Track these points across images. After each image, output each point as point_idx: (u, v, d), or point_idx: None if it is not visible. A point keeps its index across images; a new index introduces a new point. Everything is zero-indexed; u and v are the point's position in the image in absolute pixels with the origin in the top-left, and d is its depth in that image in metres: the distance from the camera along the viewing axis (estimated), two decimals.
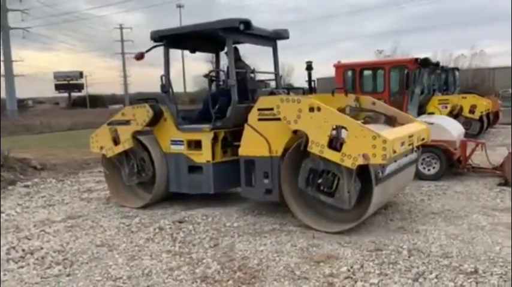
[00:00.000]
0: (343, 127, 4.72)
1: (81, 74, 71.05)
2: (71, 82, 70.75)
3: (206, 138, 6.04)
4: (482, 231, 4.95)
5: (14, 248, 4.93)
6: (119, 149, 6.65)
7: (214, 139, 6.06)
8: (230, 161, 6.11)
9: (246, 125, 5.58)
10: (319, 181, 5.01)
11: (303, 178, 5.10)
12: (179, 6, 52.97)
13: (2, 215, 6.39)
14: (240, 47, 6.63)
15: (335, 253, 4.45)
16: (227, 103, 5.99)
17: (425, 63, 12.04)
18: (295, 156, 5.23)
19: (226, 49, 6.21)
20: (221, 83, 6.82)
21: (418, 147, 5.77)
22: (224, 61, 7.52)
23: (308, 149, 4.93)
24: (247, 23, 5.76)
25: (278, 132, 5.34)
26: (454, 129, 8.09)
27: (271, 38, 6.64)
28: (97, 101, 64.92)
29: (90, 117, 32.62)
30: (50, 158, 11.94)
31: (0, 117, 28.41)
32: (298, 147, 5.15)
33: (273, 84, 7.15)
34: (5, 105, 39.92)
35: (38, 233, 5.50)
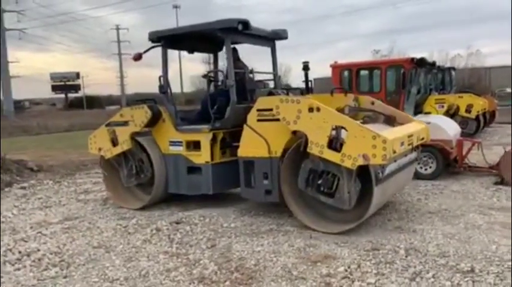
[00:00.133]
0: (342, 127, 4.71)
1: (77, 75, 70.98)
2: (68, 83, 70.69)
3: (205, 139, 6.03)
4: (479, 230, 4.96)
5: (10, 250, 4.91)
6: (118, 150, 6.63)
7: (213, 140, 6.05)
8: (229, 162, 6.10)
9: (245, 126, 5.57)
10: (319, 181, 4.98)
11: (302, 179, 5.09)
12: (175, 6, 52.89)
13: None
14: (237, 47, 6.62)
15: (332, 253, 4.45)
16: (226, 104, 5.98)
17: (421, 63, 12.09)
18: (295, 157, 5.22)
19: (224, 49, 6.19)
20: (220, 83, 6.81)
21: (417, 146, 5.77)
22: (222, 61, 7.53)
23: (308, 149, 4.91)
24: (245, 23, 5.75)
25: (277, 133, 5.33)
26: (450, 129, 8.11)
27: (269, 39, 6.63)
28: (94, 102, 64.87)
29: (87, 118, 32.60)
30: (46, 160, 11.91)
31: (0, 119, 28.29)
32: (297, 148, 5.14)
33: (271, 84, 7.15)
34: (1, 107, 39.81)
35: (34, 235, 5.48)
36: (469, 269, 3.91)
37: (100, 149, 6.85)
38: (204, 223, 5.68)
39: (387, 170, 4.90)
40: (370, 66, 13.29)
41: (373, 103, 6.19)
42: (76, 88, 71.55)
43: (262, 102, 5.46)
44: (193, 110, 7.41)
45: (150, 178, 6.47)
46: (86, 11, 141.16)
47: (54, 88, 71.30)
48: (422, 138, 5.68)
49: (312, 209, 5.37)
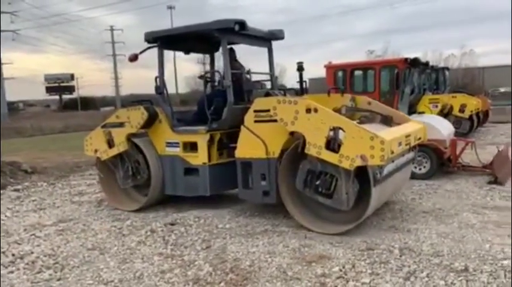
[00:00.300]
0: (340, 128, 4.70)
1: (72, 76, 70.69)
2: (62, 84, 70.38)
3: (202, 140, 6.01)
4: (473, 229, 4.99)
5: (3, 253, 4.89)
6: (114, 152, 6.60)
7: (210, 141, 6.04)
8: (226, 163, 6.08)
9: (242, 127, 5.55)
10: (317, 182, 4.98)
11: (300, 180, 5.07)
12: (170, 7, 52.78)
13: None
14: (234, 47, 6.59)
15: (327, 253, 4.46)
16: (223, 104, 5.96)
17: (415, 63, 12.15)
18: (293, 157, 5.21)
19: (221, 50, 6.15)
20: (216, 84, 6.79)
21: (414, 146, 5.77)
22: (218, 62, 7.52)
23: (305, 150, 4.91)
24: (242, 24, 5.74)
25: (275, 134, 5.32)
26: (444, 129, 8.15)
27: (266, 39, 6.62)
28: (88, 104, 64.57)
29: (81, 119, 32.46)
30: (40, 161, 11.84)
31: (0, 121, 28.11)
32: (295, 148, 5.13)
33: (268, 85, 7.14)
34: None
35: (28, 237, 5.46)
36: (463, 268, 3.93)
37: (96, 151, 6.81)
38: (198, 224, 5.68)
39: (385, 171, 4.91)
40: (364, 67, 13.33)
41: (369, 103, 6.20)
42: (70, 89, 71.25)
43: (259, 103, 5.45)
44: (190, 110, 7.38)
45: (147, 179, 6.45)
46: (80, 12, 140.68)
47: (49, 90, 70.96)
48: (419, 138, 5.69)
49: (310, 210, 5.37)
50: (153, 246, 4.96)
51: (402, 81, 11.67)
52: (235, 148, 5.68)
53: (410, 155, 5.89)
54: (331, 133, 4.73)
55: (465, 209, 5.79)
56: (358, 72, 13.17)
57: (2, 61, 42.50)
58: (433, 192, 6.84)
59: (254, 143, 5.46)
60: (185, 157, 6.18)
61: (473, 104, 13.76)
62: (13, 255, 4.81)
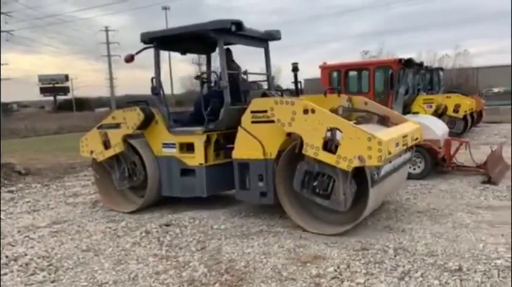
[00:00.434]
0: (337, 129, 4.69)
1: (66, 77, 70.35)
2: (57, 85, 70.04)
3: (199, 141, 6.00)
4: (467, 229, 5.02)
5: None
6: (110, 153, 6.56)
7: (207, 142, 6.02)
8: (223, 164, 6.07)
9: (239, 128, 5.54)
10: (315, 183, 4.97)
11: (298, 181, 5.06)
12: (165, 8, 52.65)
13: None
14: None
15: (322, 254, 4.47)
16: (219, 105, 5.95)
17: (409, 63, 12.19)
18: (290, 158, 5.20)
19: (218, 50, 6.13)
20: (213, 84, 6.78)
21: (411, 147, 5.78)
22: (214, 63, 7.51)
23: (303, 151, 4.90)
24: (238, 24, 5.73)
25: (272, 135, 5.31)
26: (438, 129, 8.19)
27: (263, 39, 6.61)
28: (83, 104, 64.33)
29: (76, 120, 32.34)
30: (34, 163, 11.78)
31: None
32: (292, 149, 5.12)
33: (265, 85, 7.13)
34: None
35: (22, 239, 5.43)
36: (457, 267, 3.95)
37: (92, 152, 6.78)
38: (193, 225, 5.67)
39: (382, 171, 4.91)
40: (359, 67, 13.36)
41: (366, 103, 6.21)
42: (65, 90, 70.91)
43: (256, 104, 5.43)
44: (186, 111, 7.36)
45: (143, 180, 6.42)
46: (74, 13, 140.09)
47: (43, 90, 70.57)
48: (416, 139, 5.70)
49: (308, 211, 5.37)
50: (148, 247, 4.95)
51: (396, 82, 11.70)
52: (232, 148, 5.67)
53: (407, 155, 5.90)
54: (329, 134, 4.72)
55: (459, 209, 5.82)
56: (352, 73, 13.20)
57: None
58: (428, 192, 6.87)
59: (251, 144, 5.44)
60: (182, 157, 6.16)
61: (467, 104, 13.82)
62: (7, 257, 4.78)
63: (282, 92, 6.27)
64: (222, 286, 3.87)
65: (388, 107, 10.30)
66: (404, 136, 5.17)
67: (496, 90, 31.77)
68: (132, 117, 6.29)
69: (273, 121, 5.20)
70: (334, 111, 5.57)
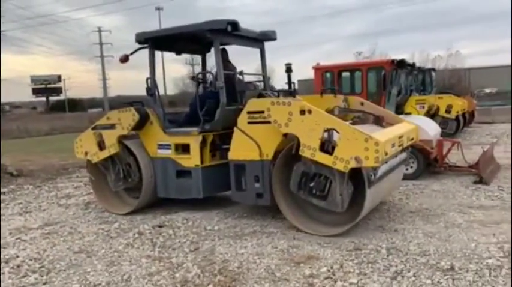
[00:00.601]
0: (334, 130, 4.68)
1: (59, 78, 69.99)
2: (49, 86, 69.68)
3: (195, 142, 5.97)
4: (459, 229, 5.05)
5: None
6: (105, 154, 6.51)
7: (203, 142, 5.99)
8: (219, 165, 6.05)
9: (235, 129, 5.52)
10: (311, 184, 4.95)
11: (294, 182, 5.05)
12: (158, 8, 52.56)
13: None
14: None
15: (315, 254, 4.47)
16: (215, 106, 5.92)
17: (401, 64, 12.25)
18: (287, 159, 5.19)
19: (214, 51, 6.09)
20: (208, 85, 6.76)
21: (407, 147, 5.79)
22: (210, 63, 7.48)
23: (300, 152, 4.88)
24: (234, 24, 5.71)
25: (268, 136, 5.29)
26: (430, 129, 8.23)
27: (258, 40, 6.60)
28: (76, 105, 64.05)
29: (68, 121, 32.16)
30: (26, 164, 11.72)
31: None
32: (289, 150, 5.11)
33: (260, 86, 7.12)
34: None
35: (13, 241, 5.39)
36: (449, 267, 3.97)
37: (86, 153, 6.72)
38: (187, 226, 5.65)
39: (379, 172, 4.92)
40: (352, 68, 13.41)
41: (362, 104, 6.22)
42: (57, 91, 70.57)
43: (252, 104, 5.42)
44: (182, 112, 7.32)
45: (138, 182, 6.37)
46: (66, 13, 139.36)
47: (35, 91, 70.20)
48: (412, 139, 5.71)
49: (304, 212, 5.35)
50: (141, 248, 4.93)
51: (389, 83, 11.76)
52: (228, 149, 5.65)
53: (403, 155, 5.91)
54: (326, 135, 4.71)
55: (451, 209, 5.85)
56: (345, 74, 13.25)
57: None
58: (420, 192, 6.90)
59: (247, 145, 5.42)
60: (177, 159, 6.13)
61: (459, 104, 13.91)
62: None
63: (279, 92, 6.26)
64: None
65: None
66: (401, 137, 5.17)
67: (487, 91, 32.01)
68: (127, 118, 6.25)
69: (269, 122, 5.18)
70: (330, 111, 5.57)
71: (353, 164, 4.52)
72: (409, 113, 12.27)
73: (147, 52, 6.41)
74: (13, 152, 15.21)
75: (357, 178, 4.78)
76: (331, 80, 12.83)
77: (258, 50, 6.80)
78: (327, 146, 4.71)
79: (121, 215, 6.33)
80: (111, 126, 6.42)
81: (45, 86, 69.41)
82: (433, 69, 18.58)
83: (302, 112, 4.89)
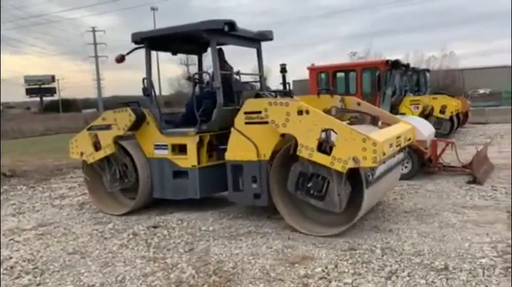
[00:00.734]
0: (332, 130, 4.67)
1: (53, 78, 69.61)
2: (43, 86, 69.26)
3: (191, 143, 5.94)
4: (453, 228, 5.07)
5: None
6: (100, 154, 6.47)
7: (200, 143, 5.96)
8: (216, 165, 6.03)
9: (232, 129, 5.49)
10: (309, 184, 4.94)
11: (292, 182, 5.04)
12: (153, 8, 52.43)
13: None
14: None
15: (310, 254, 4.48)
16: (212, 106, 5.89)
17: (396, 64, 12.29)
18: (284, 160, 5.17)
19: (210, 51, 6.07)
20: (205, 85, 6.74)
21: (404, 147, 5.79)
22: (205, 63, 7.47)
23: (297, 152, 4.87)
24: (231, 24, 5.69)
25: (266, 136, 5.27)
26: (425, 129, 8.25)
27: (255, 40, 6.58)
28: (70, 106, 63.73)
29: (63, 122, 32.02)
30: (20, 165, 11.65)
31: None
32: (287, 151, 5.10)
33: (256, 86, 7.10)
34: None
35: (6, 242, 5.35)
36: (443, 267, 3.99)
37: (82, 154, 6.67)
38: (181, 227, 5.64)
39: (377, 172, 4.92)
40: (346, 69, 13.44)
41: (359, 104, 6.22)
42: (51, 91, 70.16)
43: (250, 104, 5.40)
44: (179, 112, 7.28)
45: (135, 182, 6.33)
46: (60, 13, 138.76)
47: (29, 91, 69.78)
48: (409, 139, 5.72)
49: (302, 212, 5.34)
50: (136, 249, 4.91)
51: (384, 83, 11.79)
52: (225, 150, 5.63)
53: (400, 155, 5.92)
54: (323, 135, 4.70)
55: (445, 209, 5.88)
56: (340, 74, 13.28)
57: None
58: (414, 192, 6.93)
59: (245, 146, 5.40)
60: (174, 159, 6.10)
61: (453, 105, 13.98)
62: None
63: (276, 93, 6.25)
64: None
65: None
66: (398, 137, 5.18)
67: (481, 91, 32.17)
68: (123, 119, 6.21)
69: (266, 122, 5.16)
70: (327, 112, 5.55)
71: (351, 164, 4.51)
72: (404, 114, 12.29)
73: (143, 52, 6.39)
74: (7, 153, 15.13)
75: (355, 178, 4.77)
76: (326, 80, 12.85)
77: (254, 50, 6.78)
78: (325, 147, 4.70)
79: (115, 216, 6.31)
80: (107, 127, 6.38)
81: (39, 87, 69.01)
82: (428, 70, 18.66)
83: (300, 112, 4.88)
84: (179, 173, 6.10)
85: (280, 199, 5.34)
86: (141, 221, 5.96)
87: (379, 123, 5.89)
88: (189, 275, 4.12)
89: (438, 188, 7.08)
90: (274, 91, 6.53)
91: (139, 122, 6.23)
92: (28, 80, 68.90)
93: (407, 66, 13.82)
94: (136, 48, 6.41)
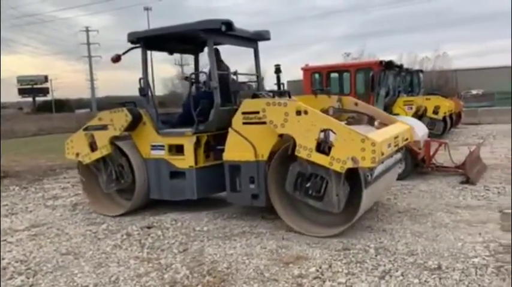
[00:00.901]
0: (331, 130, 4.67)
1: (46, 78, 69.17)
2: (36, 86, 68.80)
3: (188, 143, 5.92)
4: (446, 228, 5.10)
5: None
6: (96, 155, 6.42)
7: (197, 143, 5.94)
8: (213, 166, 6.01)
9: (230, 130, 5.47)
10: (307, 185, 4.93)
11: (290, 182, 5.02)
12: (147, 8, 52.25)
13: None
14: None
15: (304, 254, 4.49)
16: (209, 106, 5.87)
17: (389, 65, 12.35)
18: (282, 160, 5.16)
19: (207, 50, 6.05)
20: (201, 85, 6.72)
21: (401, 147, 5.80)
22: (201, 63, 7.45)
23: (296, 153, 4.85)
24: (229, 24, 5.66)
25: (264, 136, 5.26)
26: (418, 130, 8.28)
27: (252, 40, 6.57)
28: (63, 106, 63.37)
29: (55, 122, 31.83)
30: (13, 165, 11.57)
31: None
32: (285, 151, 5.09)
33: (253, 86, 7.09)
34: None
35: None
36: (436, 266, 4.01)
37: (78, 154, 6.62)
38: (175, 227, 5.63)
39: (375, 172, 4.92)
40: (340, 69, 13.48)
41: (356, 104, 6.23)
42: (44, 91, 69.71)
43: (247, 105, 5.38)
44: (175, 112, 7.25)
45: (131, 183, 6.29)
46: (53, 12, 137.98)
47: (21, 91, 69.29)
48: (406, 139, 5.73)
49: (300, 213, 5.33)
50: (129, 250, 4.90)
51: (377, 84, 11.84)
52: (222, 150, 5.60)
53: (398, 155, 5.93)
54: (322, 135, 4.70)
55: (439, 209, 5.91)
56: (334, 75, 13.32)
57: None
58: (408, 192, 6.96)
59: (242, 146, 5.38)
60: (171, 160, 6.07)
61: (446, 106, 14.06)
62: None
63: (274, 93, 6.25)
64: None
65: None
66: (396, 137, 5.19)
67: (474, 92, 32.37)
68: (120, 119, 6.17)
69: (264, 122, 5.15)
70: (324, 112, 5.55)
71: (350, 164, 4.51)
72: (397, 114, 12.33)
73: (137, 52, 6.36)
74: None
75: (353, 178, 4.77)
76: (320, 81, 12.89)
77: (251, 50, 6.76)
78: (323, 147, 4.70)
79: (109, 217, 6.28)
80: (103, 127, 6.34)
81: (32, 87, 68.56)
82: (421, 71, 18.75)
83: (298, 113, 4.87)
84: (176, 174, 6.07)
85: (278, 200, 5.32)
86: (135, 222, 5.94)
87: (376, 123, 5.92)
88: (183, 275, 4.11)
89: (431, 188, 7.12)
90: (271, 91, 6.53)
91: (135, 123, 6.20)
92: (21, 80, 68.44)
93: (400, 67, 13.89)
94: (132, 48, 6.38)
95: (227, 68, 6.50)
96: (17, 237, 5.53)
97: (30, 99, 70.31)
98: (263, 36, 6.59)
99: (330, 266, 4.14)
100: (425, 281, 3.75)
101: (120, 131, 6.23)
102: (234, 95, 6.14)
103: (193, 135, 5.90)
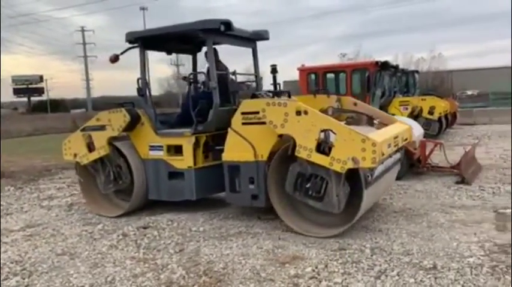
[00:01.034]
0: (331, 131, 4.67)
1: (41, 78, 68.89)
2: (31, 86, 68.49)
3: (187, 143, 5.89)
4: (441, 228, 5.12)
5: None
6: (94, 156, 6.39)
7: (196, 144, 5.92)
8: (212, 166, 5.99)
9: (229, 130, 5.46)
10: (307, 185, 4.92)
11: (290, 183, 5.00)
12: (143, 8, 52.11)
13: None
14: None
15: (300, 254, 4.49)
16: (208, 106, 5.85)
17: (385, 66, 12.40)
18: (282, 160, 5.15)
19: (206, 50, 6.02)
20: (200, 85, 6.70)
21: (401, 147, 5.80)
22: (199, 63, 7.43)
23: (296, 153, 4.84)
24: (228, 24, 5.65)
25: (263, 136, 5.24)
26: (413, 130, 8.30)
27: (251, 39, 6.55)
28: (58, 106, 63.13)
29: (51, 122, 31.67)
30: (8, 165, 11.50)
31: None
32: (285, 151, 5.08)
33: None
34: None
35: None
36: (432, 266, 4.03)
37: (75, 155, 6.58)
38: (172, 227, 5.62)
39: (376, 173, 4.93)
40: (336, 70, 13.52)
41: (355, 104, 6.24)
42: (39, 91, 69.41)
43: (247, 105, 5.37)
44: (174, 113, 7.21)
45: (129, 184, 6.26)
46: (48, 12, 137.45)
47: (16, 91, 68.95)
48: (406, 139, 5.74)
49: (300, 213, 5.32)
50: (125, 250, 4.89)
51: (373, 84, 11.89)
52: (221, 150, 5.59)
53: (397, 155, 5.94)
54: (322, 135, 4.69)
55: (434, 209, 5.94)
56: (330, 75, 13.36)
57: None
58: (404, 192, 6.99)
59: (242, 146, 5.37)
60: (169, 160, 6.04)
61: (442, 106, 14.11)
62: None
63: (273, 93, 6.24)
64: None
65: None
66: (396, 137, 5.19)
67: (469, 92, 32.52)
68: (118, 119, 6.14)
69: (264, 123, 5.13)
70: (323, 112, 5.55)
71: (350, 165, 4.51)
72: (393, 114, 12.39)
73: (133, 52, 6.34)
74: None
75: (353, 179, 4.77)
76: (316, 81, 12.91)
77: (249, 50, 6.75)
78: (324, 147, 4.69)
79: (105, 217, 6.26)
80: (101, 128, 6.31)
81: (27, 86, 68.25)
82: (416, 71, 18.83)
83: (298, 113, 4.86)
84: (175, 174, 6.05)
85: (278, 200, 5.31)
86: (131, 222, 5.93)
87: (376, 123, 5.92)
88: (180, 275, 4.11)
89: (427, 189, 7.15)
90: (270, 91, 6.53)
91: (133, 123, 6.17)
92: (16, 79, 68.09)
93: (396, 67, 13.95)
94: (130, 48, 6.34)
95: (225, 68, 6.48)
96: (12, 237, 5.51)
97: (25, 99, 69.98)
98: (262, 36, 6.58)
99: (326, 266, 4.15)
100: (420, 280, 3.76)
101: (118, 132, 6.20)
102: (233, 95, 6.11)
103: (192, 136, 5.88)
